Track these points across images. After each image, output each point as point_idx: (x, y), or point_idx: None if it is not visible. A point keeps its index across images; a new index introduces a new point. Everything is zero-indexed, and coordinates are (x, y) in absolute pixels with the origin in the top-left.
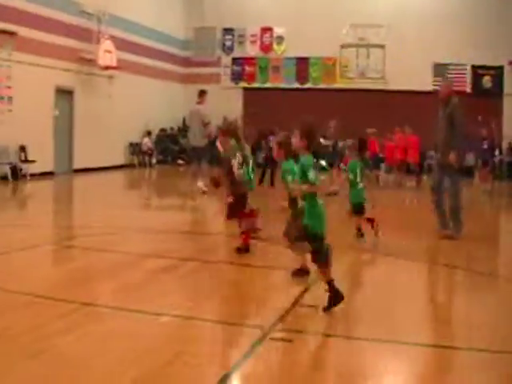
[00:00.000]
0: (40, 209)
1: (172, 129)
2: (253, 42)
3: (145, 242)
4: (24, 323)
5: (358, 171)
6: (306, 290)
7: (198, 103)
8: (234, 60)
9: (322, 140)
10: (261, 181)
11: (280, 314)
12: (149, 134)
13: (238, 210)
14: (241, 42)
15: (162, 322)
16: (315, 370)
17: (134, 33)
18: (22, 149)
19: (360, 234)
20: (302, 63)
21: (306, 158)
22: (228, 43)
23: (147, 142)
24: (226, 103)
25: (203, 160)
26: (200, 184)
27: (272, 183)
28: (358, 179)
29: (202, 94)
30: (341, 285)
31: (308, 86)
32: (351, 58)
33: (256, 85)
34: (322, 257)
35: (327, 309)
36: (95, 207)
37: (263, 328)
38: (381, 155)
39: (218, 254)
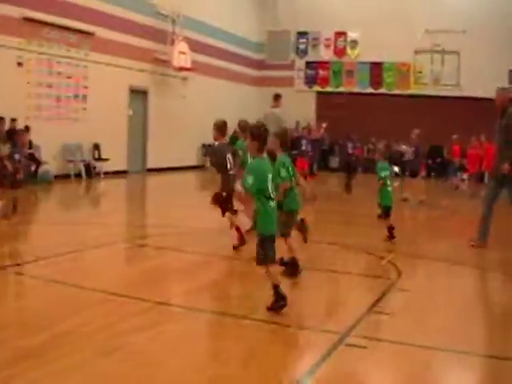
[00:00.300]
0: (113, 207)
1: None
2: (327, 46)
3: (218, 243)
4: (98, 320)
5: (388, 174)
6: (381, 297)
7: (273, 107)
8: (308, 64)
9: (403, 146)
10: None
11: (355, 319)
12: None
13: (226, 203)
14: (314, 46)
15: (237, 324)
16: (388, 379)
17: (208, 35)
18: (96, 147)
19: (390, 233)
20: (376, 68)
21: (257, 160)
22: (302, 47)
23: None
24: (299, 107)
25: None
26: None
27: (346, 190)
28: (388, 181)
29: (277, 97)
30: (417, 295)
31: (382, 91)
32: (425, 63)
33: (329, 89)
34: (261, 259)
35: (269, 309)
36: (168, 207)
37: (338, 333)
38: (457, 163)
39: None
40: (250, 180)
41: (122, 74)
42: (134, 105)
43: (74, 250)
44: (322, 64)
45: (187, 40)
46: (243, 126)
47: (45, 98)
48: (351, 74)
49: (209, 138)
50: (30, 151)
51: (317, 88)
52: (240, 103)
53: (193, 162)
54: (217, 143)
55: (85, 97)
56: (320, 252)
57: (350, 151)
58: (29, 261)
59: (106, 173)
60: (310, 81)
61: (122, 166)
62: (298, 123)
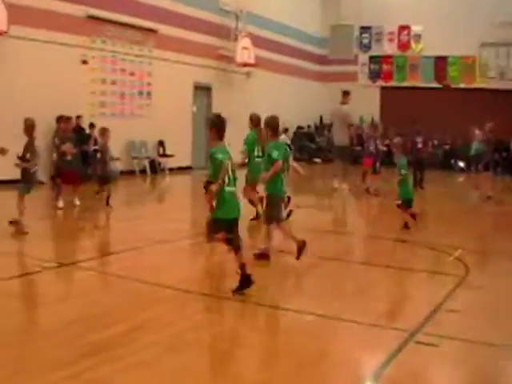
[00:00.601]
0: (178, 203)
1: (309, 127)
2: (390, 40)
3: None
4: (166, 316)
5: (407, 168)
6: (449, 294)
7: (342, 103)
8: (371, 58)
9: (476, 131)
10: (417, 184)
11: (424, 317)
12: (286, 131)
13: None
14: (378, 40)
15: (306, 321)
16: (460, 377)
17: (271, 30)
18: (161, 143)
19: (406, 227)
20: (441, 62)
21: (216, 148)
22: (365, 41)
23: (284, 139)
24: (363, 102)
25: (345, 159)
26: (338, 183)
27: (419, 185)
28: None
29: (346, 94)
30: (486, 292)
31: None
32: (491, 57)
33: (393, 83)
34: (207, 236)
35: (235, 291)
36: None
37: (407, 331)
38: None
39: (358, 255)
40: (211, 168)
41: (186, 71)
42: (198, 101)
43: (140, 246)
44: (386, 58)
45: (250, 36)
46: (255, 119)
47: (109, 95)
48: (415, 68)
49: None
50: (95, 147)
51: (381, 83)
52: (303, 98)
53: None
54: None
55: (149, 93)
56: (386, 248)
57: (420, 146)
58: (97, 256)
59: (171, 169)
60: (374, 75)
61: (186, 162)
62: (361, 118)
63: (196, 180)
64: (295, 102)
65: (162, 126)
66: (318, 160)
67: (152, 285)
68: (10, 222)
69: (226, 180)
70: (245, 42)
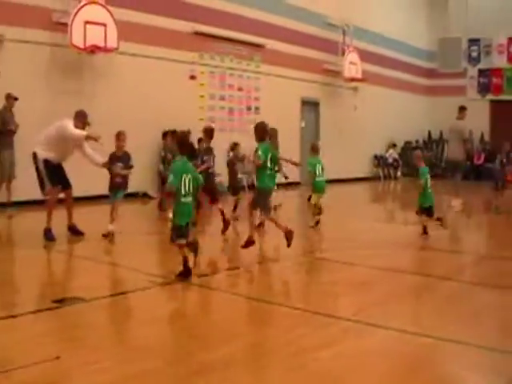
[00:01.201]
0: (286, 219)
1: (417, 141)
2: (500, 53)
3: (395, 257)
4: (282, 335)
5: (428, 177)
6: None
7: (458, 118)
8: (480, 71)
9: None
10: None
11: None
12: (394, 146)
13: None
14: (487, 53)
15: (421, 343)
16: None
17: (378, 44)
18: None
19: (425, 232)
20: None
21: (176, 162)
22: (474, 54)
23: (392, 154)
24: (471, 116)
25: (459, 174)
26: (454, 201)
27: None
28: (428, 184)
29: (462, 109)
30: None
31: None
32: None
33: (503, 97)
34: (171, 239)
35: (176, 276)
36: (342, 219)
37: None
38: None
39: (472, 275)
40: (169, 178)
41: (294, 86)
42: (305, 116)
43: (252, 264)
44: (495, 71)
45: (357, 50)
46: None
47: (218, 110)
48: None
49: (380, 149)
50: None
51: (490, 96)
52: (411, 112)
53: (364, 173)
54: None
55: (257, 108)
56: (501, 268)
57: None
58: (207, 273)
59: (278, 184)
60: (483, 89)
61: (294, 178)
62: (471, 133)
63: (303, 196)
64: (403, 116)
65: None
66: None
67: (266, 302)
68: (104, 235)
69: (183, 191)
70: (352, 56)
